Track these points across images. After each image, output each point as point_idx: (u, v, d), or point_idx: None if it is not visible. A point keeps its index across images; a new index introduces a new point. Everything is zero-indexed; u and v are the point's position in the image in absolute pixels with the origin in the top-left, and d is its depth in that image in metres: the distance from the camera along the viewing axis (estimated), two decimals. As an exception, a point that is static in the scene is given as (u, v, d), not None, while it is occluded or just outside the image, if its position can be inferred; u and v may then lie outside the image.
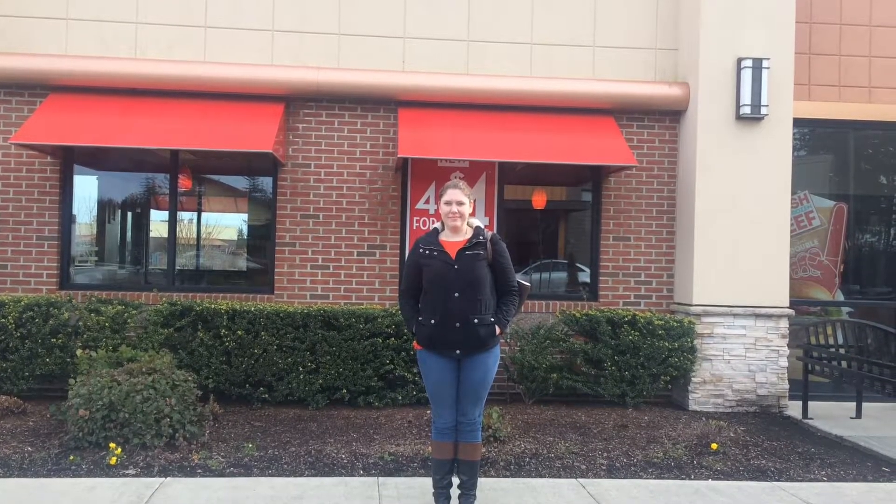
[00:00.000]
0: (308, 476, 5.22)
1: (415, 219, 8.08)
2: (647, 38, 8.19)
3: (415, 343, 4.48)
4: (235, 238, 8.72)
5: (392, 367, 7.16)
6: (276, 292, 7.88)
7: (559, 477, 5.37)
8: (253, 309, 7.17)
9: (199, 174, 8.34)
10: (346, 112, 7.97)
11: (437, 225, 4.54)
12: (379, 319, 7.19)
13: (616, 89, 7.99)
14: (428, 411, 7.06)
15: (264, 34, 7.86)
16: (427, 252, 4.37)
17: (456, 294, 4.27)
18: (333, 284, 7.92)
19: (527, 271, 8.70)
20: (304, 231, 7.91)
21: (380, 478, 5.23)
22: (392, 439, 6.13)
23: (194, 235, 8.34)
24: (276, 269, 7.91)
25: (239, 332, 7.06)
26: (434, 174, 8.09)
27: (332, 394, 7.19)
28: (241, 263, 8.55)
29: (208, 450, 5.65)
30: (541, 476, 5.38)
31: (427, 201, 8.08)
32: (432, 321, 4.32)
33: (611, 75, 8.11)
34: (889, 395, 6.54)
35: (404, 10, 7.98)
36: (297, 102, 7.93)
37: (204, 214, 8.43)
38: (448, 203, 4.39)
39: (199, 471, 5.25)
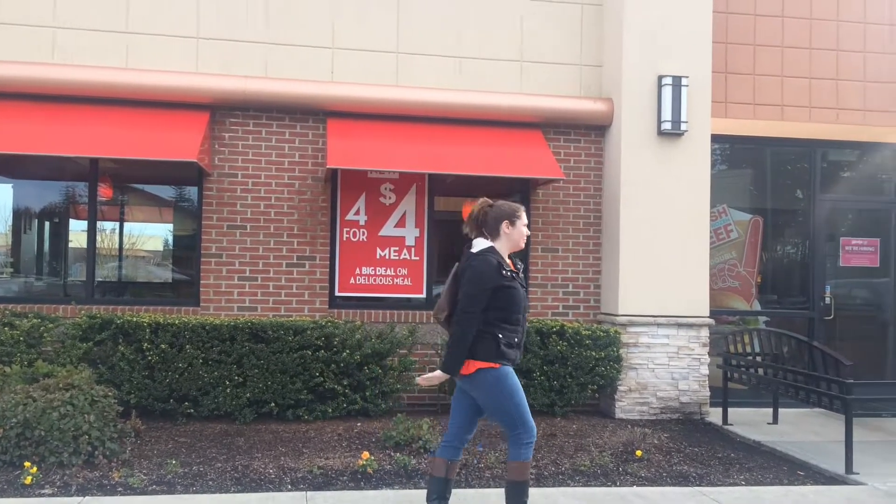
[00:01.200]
0: (234, 492, 5.12)
1: (345, 230, 8.04)
2: (573, 55, 8.38)
3: (481, 363, 4.17)
4: (160, 249, 8.50)
5: (322, 379, 7.09)
6: (202, 304, 7.71)
7: (489, 487, 5.40)
8: (177, 322, 6.99)
9: (122, 183, 8.10)
10: (275, 122, 7.89)
11: (484, 243, 4.29)
12: (308, 331, 7.11)
13: (543, 104, 8.15)
14: (359, 424, 7.01)
15: (189, 41, 7.72)
16: (508, 274, 4.20)
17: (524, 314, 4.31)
18: (262, 296, 7.80)
19: (457, 283, 8.72)
20: (231, 242, 7.77)
21: (308, 492, 5.16)
22: (322, 453, 6.06)
23: (116, 246, 8.09)
24: (201, 281, 7.74)
25: (162, 346, 6.88)
26: (364, 185, 8.07)
27: (260, 408, 7.07)
28: (166, 275, 8.34)
29: (129, 467, 5.47)
30: (470, 486, 5.40)
31: (357, 212, 8.05)
32: (516, 339, 4.24)
33: (538, 90, 8.26)
34: (803, 400, 6.82)
35: (333, 21, 7.96)
36: (223, 111, 7.81)
37: (127, 224, 8.19)
38: (525, 225, 4.36)
39: (120, 489, 5.08)
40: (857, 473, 5.89)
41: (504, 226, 4.30)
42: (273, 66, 7.84)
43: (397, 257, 8.11)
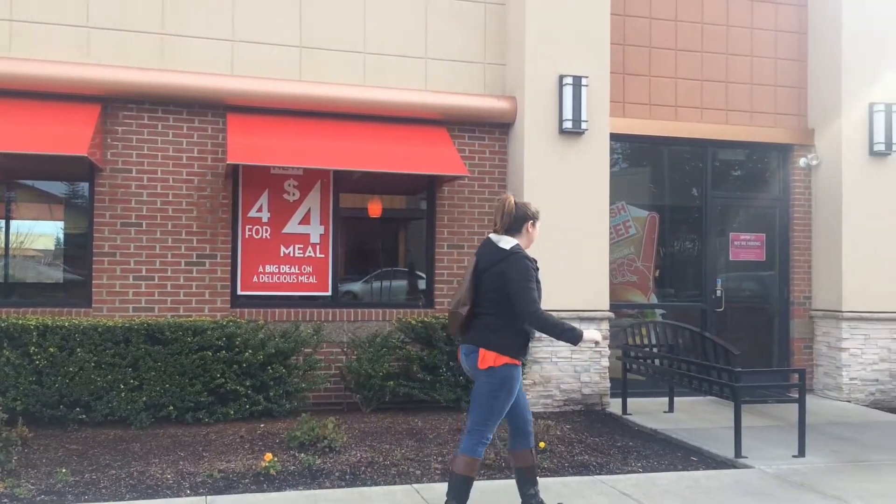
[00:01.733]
0: (129, 500, 4.92)
1: (247, 227, 7.86)
2: (477, 53, 8.46)
3: (508, 358, 4.24)
4: (51, 248, 8.07)
5: (223, 380, 6.91)
6: (94, 306, 7.38)
7: (394, 484, 5.39)
8: (67, 324, 6.67)
9: (9, 179, 7.65)
10: (171, 116, 7.62)
11: (511, 240, 4.38)
12: (209, 332, 6.91)
13: (448, 101, 8.20)
14: (262, 425, 6.88)
15: (80, 31, 7.37)
16: (537, 269, 4.37)
17: None
18: (159, 296, 7.53)
19: (367, 280, 8.70)
20: (126, 240, 7.47)
21: (208, 497, 5.02)
22: (223, 456, 5.91)
23: (2, 245, 7.64)
24: (94, 281, 7.41)
25: (51, 350, 6.54)
26: (267, 182, 7.91)
27: (157, 411, 6.82)
28: (57, 275, 7.93)
29: (16, 477, 5.18)
30: (376, 484, 5.38)
31: (260, 209, 7.88)
32: (530, 336, 4.40)
33: (443, 87, 8.30)
34: (696, 389, 7.12)
35: (233, 13, 7.76)
36: (116, 104, 7.49)
37: (14, 222, 7.73)
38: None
39: (6, 500, 4.80)
40: (746, 457, 6.19)
41: (528, 225, 4.50)
42: (170, 58, 7.58)
43: (302, 255, 7.99)
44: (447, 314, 4.58)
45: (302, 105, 7.82)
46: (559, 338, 4.30)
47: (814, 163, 9.34)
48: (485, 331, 4.33)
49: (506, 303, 4.29)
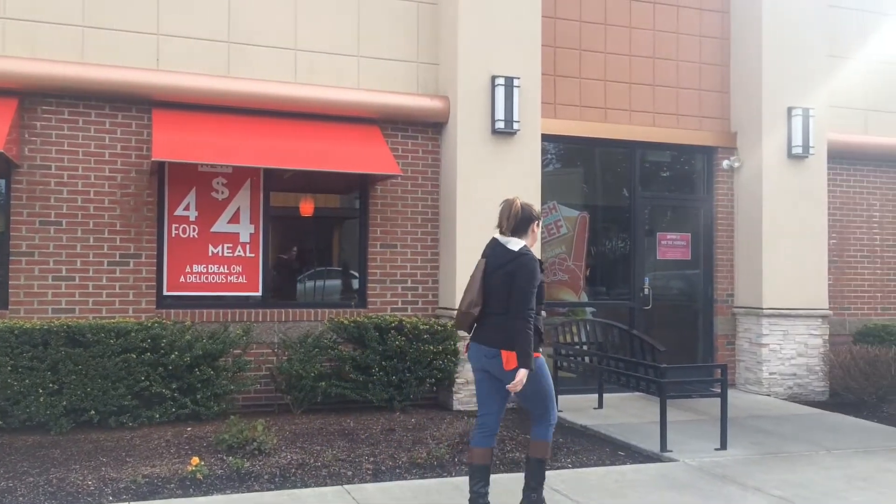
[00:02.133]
0: (46, 509, 4.74)
1: (174, 226, 7.66)
2: (410, 52, 8.45)
3: (536, 353, 4.48)
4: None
5: (148, 383, 6.72)
6: (10, 307, 7.09)
7: (325, 485, 5.34)
8: (-19, 327, 6.38)
9: (-87, 175, 7.28)
10: (93, 111, 7.37)
11: (519, 242, 4.56)
12: (133, 333, 6.71)
13: (380, 100, 8.16)
14: (189, 428, 6.72)
15: (-5, 20, 7.06)
16: (542, 270, 4.59)
17: None
18: (80, 297, 7.27)
19: (300, 279, 8.59)
20: (45, 239, 7.19)
21: (132, 503, 4.87)
22: (147, 461, 5.75)
23: None
24: (10, 282, 7.11)
25: (-37, 354, 6.25)
26: (194, 180, 7.73)
27: (78, 416, 6.59)
28: (-32, 276, 7.58)
29: (-79, 490, 4.93)
30: (307, 486, 5.32)
31: (187, 208, 7.69)
32: (541, 329, 4.62)
33: (376, 86, 8.26)
34: (624, 385, 7.28)
35: (158, 5, 7.56)
36: (34, 98, 7.20)
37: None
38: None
39: None
40: (672, 451, 6.35)
41: (533, 226, 4.69)
42: (92, 51, 7.33)
43: (231, 254, 7.83)
44: (457, 314, 4.70)
45: (231, 101, 7.67)
46: (520, 349, 4.34)
47: (736, 165, 9.64)
48: (501, 332, 4.45)
49: None
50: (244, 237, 7.89)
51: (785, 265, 9.26)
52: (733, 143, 9.71)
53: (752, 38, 9.48)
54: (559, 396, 7.97)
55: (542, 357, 4.57)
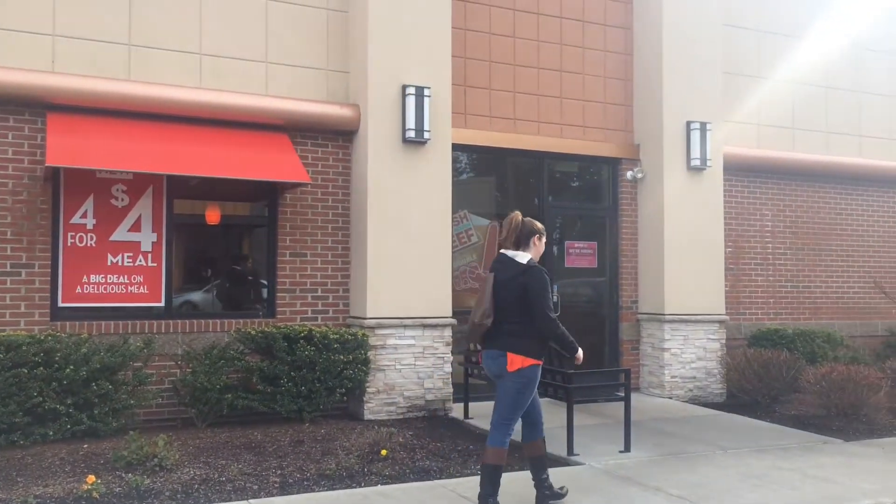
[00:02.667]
0: (-76, 536, 4.44)
1: (70, 234, 7.34)
2: (320, 59, 8.38)
3: (533, 360, 4.83)
4: None
5: (41, 399, 6.39)
6: None
7: (230, 500, 5.20)
8: None
9: None
10: (-17, 113, 7.01)
11: (525, 255, 4.92)
12: (24, 347, 6.38)
13: (289, 107, 8.06)
14: (85, 445, 6.43)
15: None
16: (550, 279, 4.96)
17: None
18: (-34, 310, 6.87)
19: (206, 290, 8.37)
20: (-73, 249, 6.77)
21: (20, 526, 4.62)
22: (40, 480, 5.46)
23: None
24: None
25: None
26: (92, 186, 7.43)
27: (-37, 436, 6.21)
28: None
29: None
30: (210, 502, 5.17)
31: (84, 215, 7.38)
32: (547, 339, 4.98)
33: (284, 92, 8.15)
34: (533, 391, 7.37)
35: (53, 4, 7.24)
36: (-84, 98, 6.79)
37: None
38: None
39: None
40: (578, 454, 6.49)
41: (535, 239, 5.02)
42: (-20, 50, 6.96)
43: (132, 264, 7.56)
44: (470, 326, 4.98)
45: (131, 106, 7.42)
46: (563, 346, 4.95)
47: (639, 176, 9.97)
48: (509, 337, 4.84)
49: (527, 311, 4.82)
50: (146, 246, 7.62)
51: (685, 273, 9.62)
52: (637, 155, 10.05)
53: (653, 54, 9.85)
54: (470, 403, 8.07)
55: (539, 368, 4.90)
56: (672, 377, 9.51)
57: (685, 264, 9.63)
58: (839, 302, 11.14)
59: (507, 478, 5.27)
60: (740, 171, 10.53)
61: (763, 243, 10.74)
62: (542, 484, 5.16)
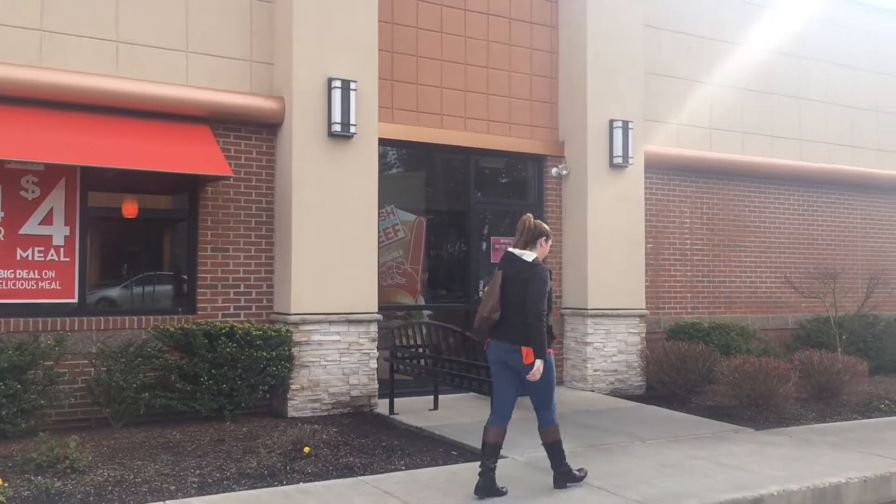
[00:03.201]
0: None
1: (-25, 228, 7.00)
2: (243, 50, 8.21)
3: (547, 349, 5.30)
4: None
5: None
6: None
7: (146, 502, 5.06)
8: None
9: None
10: None
11: (531, 254, 5.36)
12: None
13: (211, 98, 7.87)
14: (-9, 449, 6.15)
15: None
16: (551, 278, 5.53)
17: None
18: None
19: (124, 286, 8.10)
20: None
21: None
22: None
23: None
24: None
25: None
26: (0, 177, 7.09)
27: None
28: None
29: None
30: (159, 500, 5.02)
31: (-9, 208, 7.06)
32: (552, 328, 5.48)
33: (206, 83, 7.96)
34: (458, 386, 7.45)
35: (-41, -14, 6.89)
36: None
37: None
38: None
39: None
40: (502, 448, 6.54)
41: (542, 240, 5.45)
42: None
43: (43, 258, 7.25)
44: (478, 319, 5.42)
45: (43, 94, 7.11)
46: (535, 344, 5.17)
47: (564, 172, 10.14)
48: (521, 331, 5.22)
49: None
50: (58, 240, 7.33)
51: (608, 268, 9.83)
52: (561, 152, 10.21)
53: (577, 53, 10.01)
54: (395, 399, 8.07)
55: (552, 353, 5.40)
56: (594, 370, 9.72)
57: (608, 260, 9.84)
58: (752, 296, 11.59)
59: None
60: (661, 170, 10.81)
61: (682, 239, 11.07)
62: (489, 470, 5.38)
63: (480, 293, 9.67)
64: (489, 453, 5.34)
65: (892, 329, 11.53)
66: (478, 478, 5.31)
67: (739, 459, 6.38)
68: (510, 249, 5.45)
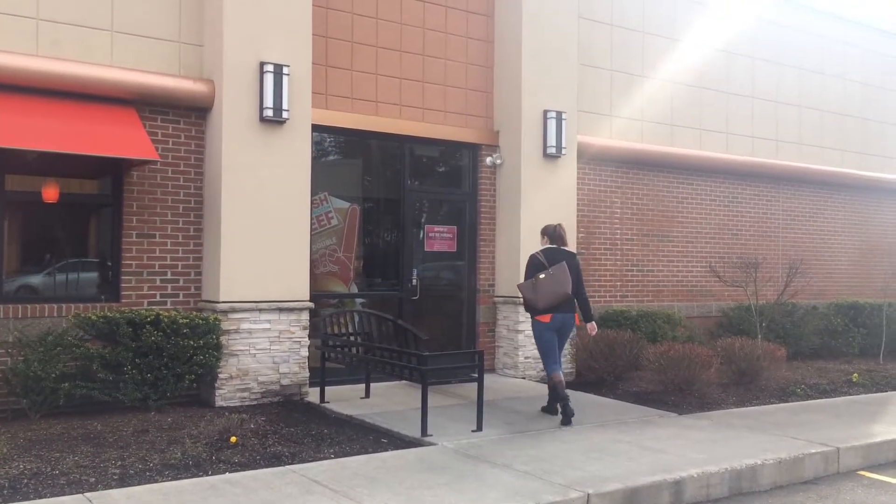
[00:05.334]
0: None
1: None
2: (172, 30, 7.99)
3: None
4: None
5: None
6: None
7: (63, 494, 4.92)
8: None
9: None
10: None
11: (571, 247, 7.92)
12: None
13: (136, 79, 7.64)
14: None
15: None
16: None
17: None
18: None
19: (49, 272, 7.82)
20: None
21: None
22: None
23: None
24: None
25: None
26: None
27: None
28: None
29: None
30: (41, 496, 4.86)
31: None
32: None
33: (132, 64, 7.72)
34: (390, 374, 7.45)
35: None
36: None
37: None
38: None
39: None
40: (431, 435, 6.59)
41: (567, 238, 7.77)
42: None
43: (-45, 244, 6.95)
44: (556, 297, 7.37)
45: (-45, 71, 6.80)
46: (589, 312, 7.81)
47: (498, 162, 10.20)
48: (572, 303, 7.56)
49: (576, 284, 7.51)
50: (-28, 225, 7.04)
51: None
52: (496, 141, 10.26)
53: (513, 43, 10.07)
54: (326, 388, 8.03)
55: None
56: (525, 358, 9.84)
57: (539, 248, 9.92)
58: (679, 285, 11.91)
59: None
60: (593, 160, 10.98)
61: (612, 229, 11.28)
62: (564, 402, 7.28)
63: (414, 281, 9.67)
64: (558, 389, 7.26)
65: (808, 317, 12.00)
66: (560, 413, 7.27)
67: (662, 443, 6.57)
68: (549, 246, 7.62)
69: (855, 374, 10.24)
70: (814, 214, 13.69)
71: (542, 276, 7.35)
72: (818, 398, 8.93)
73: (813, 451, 6.43)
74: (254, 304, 7.88)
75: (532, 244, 9.84)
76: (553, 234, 7.60)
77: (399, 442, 6.55)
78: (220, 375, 7.68)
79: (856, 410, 8.27)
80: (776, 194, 13.14)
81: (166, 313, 7.37)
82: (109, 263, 7.88)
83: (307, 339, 8.22)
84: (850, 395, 9.21)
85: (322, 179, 9.07)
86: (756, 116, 12.82)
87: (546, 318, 7.34)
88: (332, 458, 6.00)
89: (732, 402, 8.46)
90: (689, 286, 12.01)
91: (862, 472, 6.50)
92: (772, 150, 12.98)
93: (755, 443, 6.65)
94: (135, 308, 7.54)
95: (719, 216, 12.44)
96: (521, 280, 9.87)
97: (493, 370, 9.98)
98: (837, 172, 13.77)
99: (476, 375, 7.06)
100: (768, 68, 12.98)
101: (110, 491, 5.01)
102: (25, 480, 5.12)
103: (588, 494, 5.18)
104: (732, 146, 12.50)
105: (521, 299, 9.74)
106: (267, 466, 5.69)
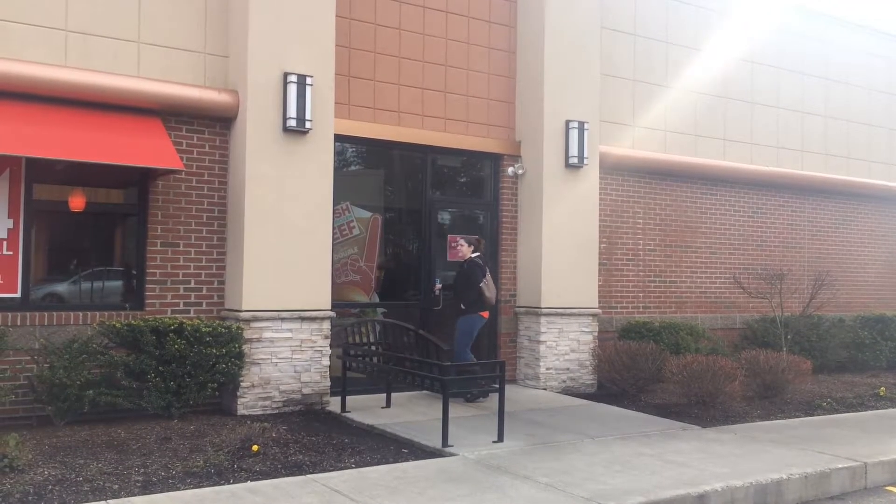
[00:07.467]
0: None
1: (-88, 219, 6.77)
2: (197, 42, 8.08)
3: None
4: None
5: None
6: None
7: (88, 501, 4.97)
8: None
9: None
10: None
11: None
12: None
13: (163, 90, 7.73)
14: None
15: None
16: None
17: None
18: None
19: (72, 280, 7.91)
20: None
21: None
22: None
23: None
24: None
25: None
26: (-60, 167, 6.89)
27: None
28: None
29: None
30: (65, 503, 4.91)
31: (-71, 199, 6.83)
32: None
33: (158, 75, 7.82)
34: (411, 384, 7.44)
35: None
36: None
37: None
38: None
39: None
40: (452, 446, 6.57)
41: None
42: None
43: (-16, 251, 7.06)
44: (486, 303, 8.93)
45: (-13, 83, 6.92)
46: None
47: (520, 172, 10.19)
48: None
49: None
50: (1, 233, 7.13)
51: (562, 267, 9.91)
52: (518, 151, 10.25)
53: (535, 53, 10.07)
54: (347, 397, 8.04)
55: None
56: (547, 369, 9.80)
57: (562, 259, 9.92)
58: (702, 296, 11.80)
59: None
60: (615, 171, 10.94)
61: (635, 240, 11.21)
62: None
63: (436, 291, 9.66)
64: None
65: (835, 329, 11.85)
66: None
67: (685, 456, 6.50)
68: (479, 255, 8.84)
69: (882, 388, 10.08)
70: (839, 225, 13.52)
71: (486, 279, 8.84)
72: (844, 412, 8.80)
73: (839, 465, 6.33)
74: (276, 313, 7.92)
75: (554, 255, 9.87)
76: (478, 245, 9.09)
77: (420, 452, 6.53)
78: (242, 384, 7.71)
79: (883, 425, 8.13)
80: (801, 205, 13.00)
81: (190, 322, 7.42)
82: (134, 272, 7.96)
83: (328, 348, 8.24)
84: (878, 409, 9.07)
85: (344, 189, 9.11)
86: (781, 127, 12.70)
87: (486, 315, 9.02)
88: (352, 467, 6.00)
89: (757, 416, 8.36)
90: (713, 298, 11.89)
91: (889, 488, 6.39)
92: (797, 161, 12.85)
93: (780, 457, 6.56)
94: (158, 316, 7.60)
95: (743, 227, 12.33)
96: (542, 291, 9.94)
97: (514, 381, 9.95)
98: (864, 183, 13.60)
99: (497, 386, 7.03)
100: (793, 79, 12.87)
101: (133, 498, 5.04)
102: (50, 487, 5.16)
103: (610, 508, 5.14)
104: (757, 156, 12.39)
105: (542, 309, 9.80)
106: (288, 475, 5.70)
